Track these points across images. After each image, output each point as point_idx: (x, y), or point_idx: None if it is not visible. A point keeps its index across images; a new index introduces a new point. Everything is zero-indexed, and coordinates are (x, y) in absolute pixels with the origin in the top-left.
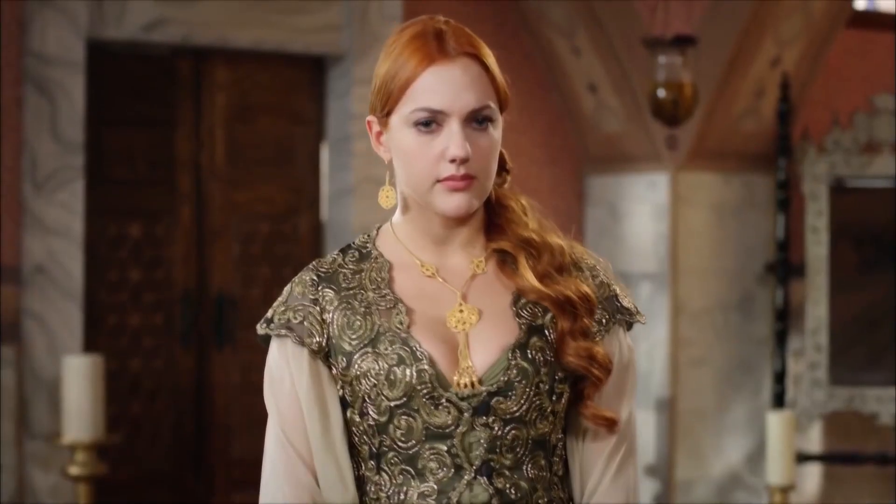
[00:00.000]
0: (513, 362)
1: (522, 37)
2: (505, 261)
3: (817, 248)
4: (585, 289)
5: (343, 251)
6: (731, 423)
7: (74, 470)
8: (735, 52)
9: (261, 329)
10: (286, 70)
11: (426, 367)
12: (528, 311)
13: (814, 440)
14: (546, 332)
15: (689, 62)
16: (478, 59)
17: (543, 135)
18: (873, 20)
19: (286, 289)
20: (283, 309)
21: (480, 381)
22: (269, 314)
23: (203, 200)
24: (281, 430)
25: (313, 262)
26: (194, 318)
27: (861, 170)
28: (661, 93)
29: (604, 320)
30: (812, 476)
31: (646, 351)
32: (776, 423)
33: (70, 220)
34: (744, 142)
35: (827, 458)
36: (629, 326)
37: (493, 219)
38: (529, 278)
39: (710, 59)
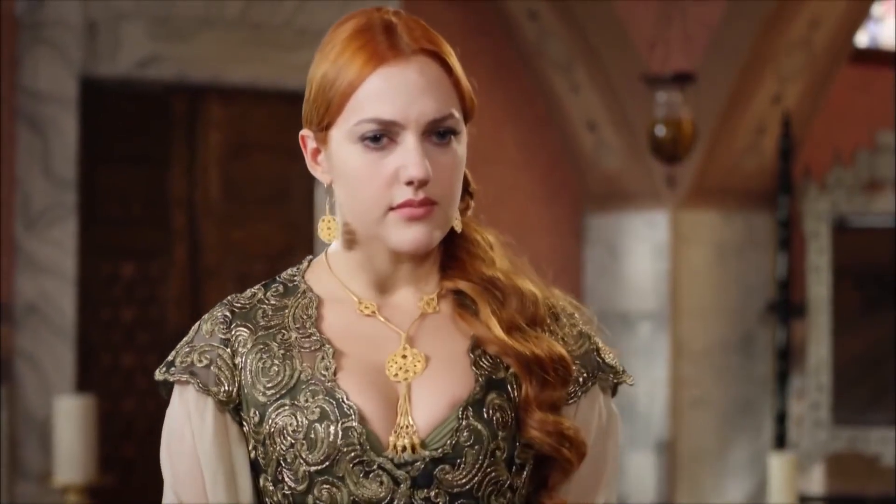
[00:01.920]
0: (464, 422)
1: (521, 73)
2: (464, 304)
3: (819, 288)
4: (561, 350)
5: (266, 285)
6: (732, 465)
7: None
8: (735, 89)
9: (159, 374)
10: (281, 107)
11: (354, 424)
12: (487, 362)
13: (816, 482)
14: (508, 387)
15: (688, 99)
16: (438, 57)
17: (542, 172)
18: (874, 57)
19: (194, 327)
20: (187, 350)
21: (423, 445)
22: (170, 356)
23: (197, 239)
24: (177, 499)
25: (229, 297)
26: None
27: (863, 207)
28: (660, 130)
29: (581, 379)
30: None
31: (646, 391)
32: (778, 464)
33: (62, 259)
34: (744, 180)
35: (829, 500)
36: (614, 390)
37: (452, 251)
38: (492, 326)
39: (710, 96)
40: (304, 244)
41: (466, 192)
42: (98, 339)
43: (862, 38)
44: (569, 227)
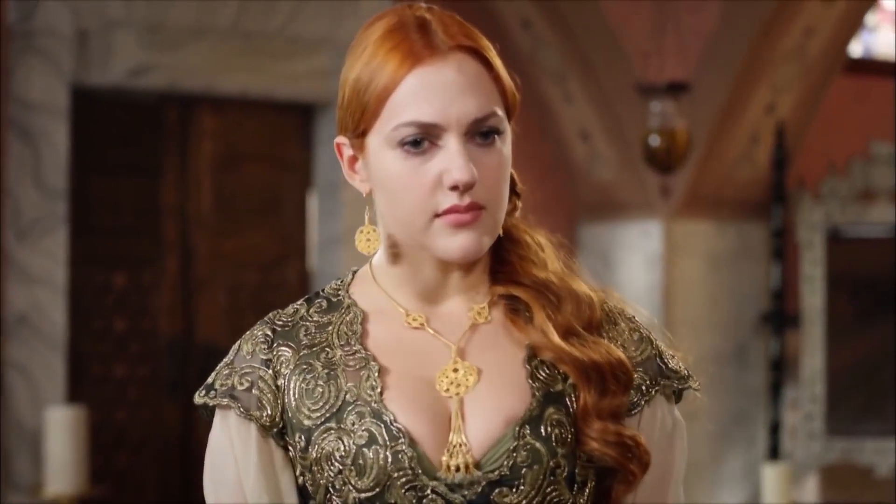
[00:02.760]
0: (521, 441)
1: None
2: (517, 309)
3: (813, 298)
4: (620, 354)
5: (308, 300)
6: (725, 476)
7: None
8: (729, 99)
9: (198, 398)
10: (274, 117)
11: (404, 447)
12: (544, 373)
13: (810, 492)
14: (567, 400)
15: (682, 109)
16: (476, 52)
17: (535, 182)
18: (869, 67)
19: (234, 347)
20: (227, 372)
21: (477, 465)
22: (210, 379)
23: (189, 249)
24: None
25: (270, 314)
26: (181, 369)
27: (857, 217)
28: (654, 140)
29: (643, 387)
30: None
31: None
32: (771, 475)
33: (53, 269)
34: (738, 189)
35: None
36: (678, 396)
37: (501, 255)
38: (548, 332)
39: (704, 106)
40: (296, 254)
41: (513, 192)
42: (89, 349)
43: (856, 48)
44: (562, 237)
